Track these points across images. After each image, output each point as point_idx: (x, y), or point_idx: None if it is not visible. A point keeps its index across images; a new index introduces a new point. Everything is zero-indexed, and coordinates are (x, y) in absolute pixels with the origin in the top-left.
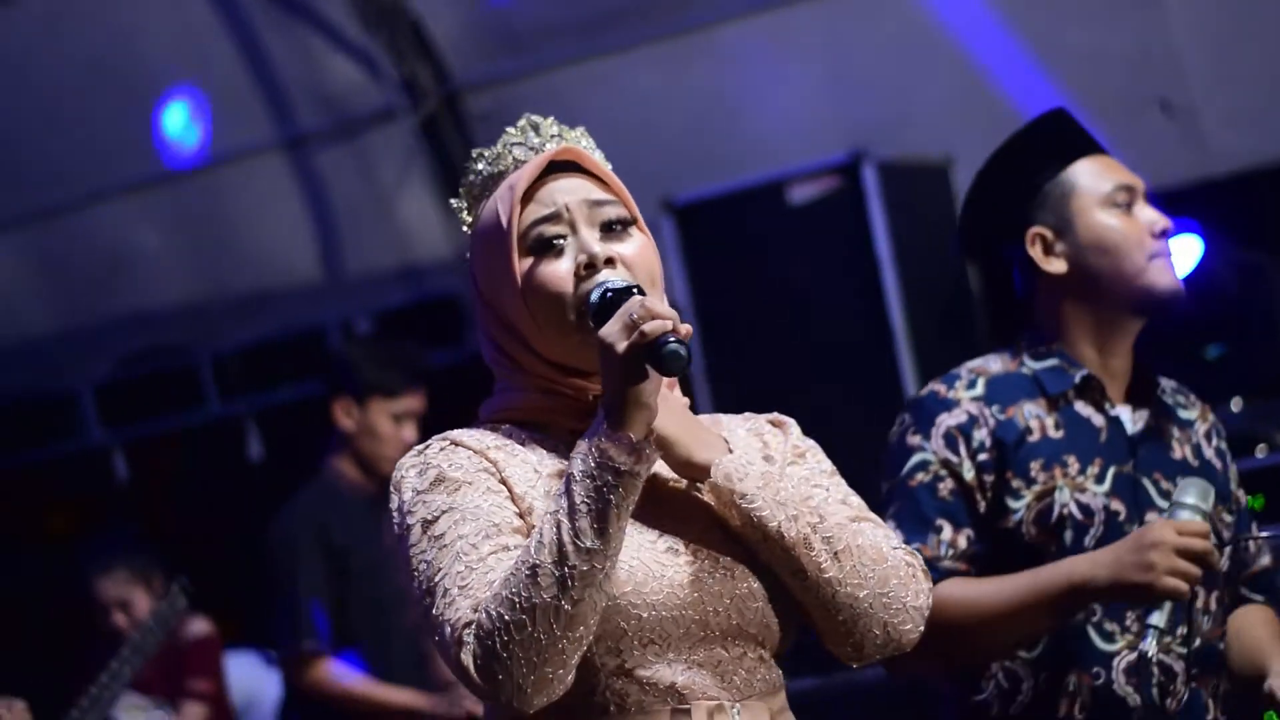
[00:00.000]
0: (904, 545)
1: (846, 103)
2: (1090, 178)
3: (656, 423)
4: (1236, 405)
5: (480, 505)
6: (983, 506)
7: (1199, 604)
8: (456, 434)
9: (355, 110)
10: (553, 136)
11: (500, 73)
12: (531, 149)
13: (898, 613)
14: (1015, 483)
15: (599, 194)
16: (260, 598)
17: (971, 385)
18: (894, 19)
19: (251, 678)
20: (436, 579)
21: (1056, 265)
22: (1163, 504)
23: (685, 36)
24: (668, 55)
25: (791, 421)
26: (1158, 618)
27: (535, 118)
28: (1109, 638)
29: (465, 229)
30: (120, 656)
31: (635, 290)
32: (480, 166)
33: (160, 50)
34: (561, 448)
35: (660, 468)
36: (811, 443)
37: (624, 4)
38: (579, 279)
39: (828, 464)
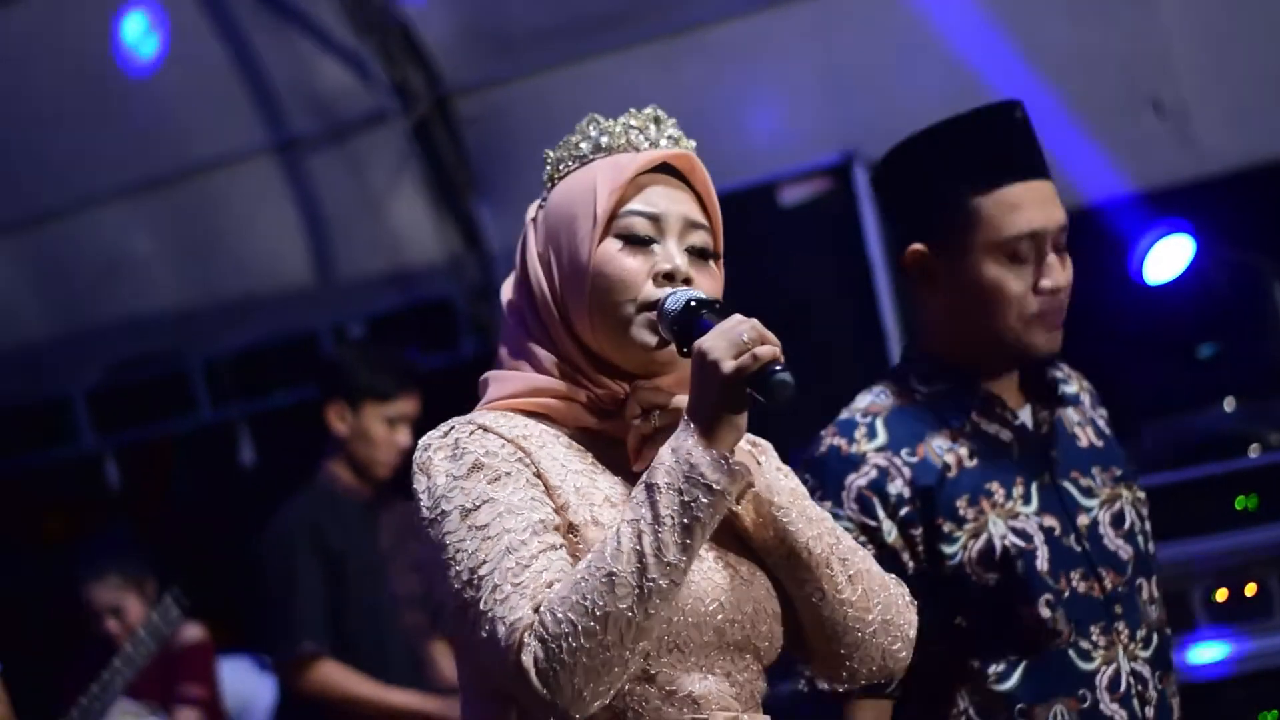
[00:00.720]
0: (891, 575)
1: (838, 104)
2: (1000, 216)
3: None
4: (1229, 405)
5: (523, 499)
6: (911, 566)
7: (1143, 594)
8: (482, 419)
9: (346, 114)
10: (670, 136)
11: (491, 76)
12: (649, 140)
13: (895, 640)
14: (946, 526)
15: (699, 217)
16: (256, 602)
17: (871, 434)
18: (885, 20)
19: (245, 683)
20: (483, 571)
21: (931, 289)
22: (1088, 503)
23: (676, 38)
24: (658, 57)
25: (768, 444)
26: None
27: (660, 112)
28: (1086, 656)
29: (546, 182)
30: (112, 667)
31: (714, 304)
32: (592, 132)
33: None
34: (576, 445)
35: None
36: (788, 468)
37: (614, 6)
38: (653, 283)
39: (804, 489)
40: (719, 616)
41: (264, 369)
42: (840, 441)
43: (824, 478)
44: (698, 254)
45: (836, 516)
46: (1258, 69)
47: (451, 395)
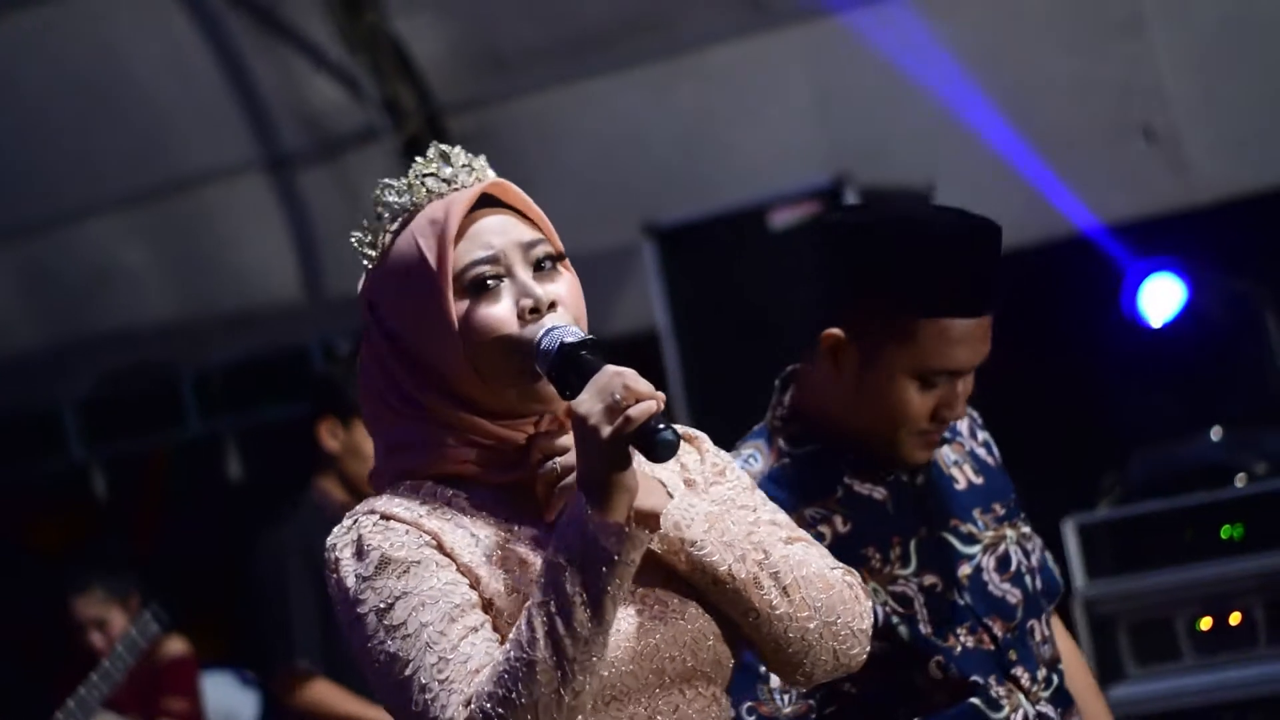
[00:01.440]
0: (840, 565)
1: (829, 128)
2: (931, 347)
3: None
4: (1216, 434)
5: (435, 586)
6: None
7: (1035, 636)
8: (383, 505)
9: (338, 131)
10: (463, 166)
11: (483, 95)
12: (444, 180)
13: (846, 639)
14: None
15: (529, 233)
16: (249, 617)
17: None
18: (877, 45)
19: (228, 697)
20: (408, 672)
21: (831, 371)
22: (970, 550)
23: (670, 60)
24: (652, 78)
25: (703, 436)
26: None
27: (444, 146)
28: (995, 705)
29: (367, 264)
30: (89, 681)
31: (589, 343)
32: (389, 198)
33: (146, 68)
34: (489, 504)
35: None
36: (727, 457)
37: (608, 27)
38: (523, 322)
39: (746, 478)
40: (655, 657)
41: (253, 383)
42: None
43: None
44: (545, 266)
45: None
46: (1249, 98)
47: None
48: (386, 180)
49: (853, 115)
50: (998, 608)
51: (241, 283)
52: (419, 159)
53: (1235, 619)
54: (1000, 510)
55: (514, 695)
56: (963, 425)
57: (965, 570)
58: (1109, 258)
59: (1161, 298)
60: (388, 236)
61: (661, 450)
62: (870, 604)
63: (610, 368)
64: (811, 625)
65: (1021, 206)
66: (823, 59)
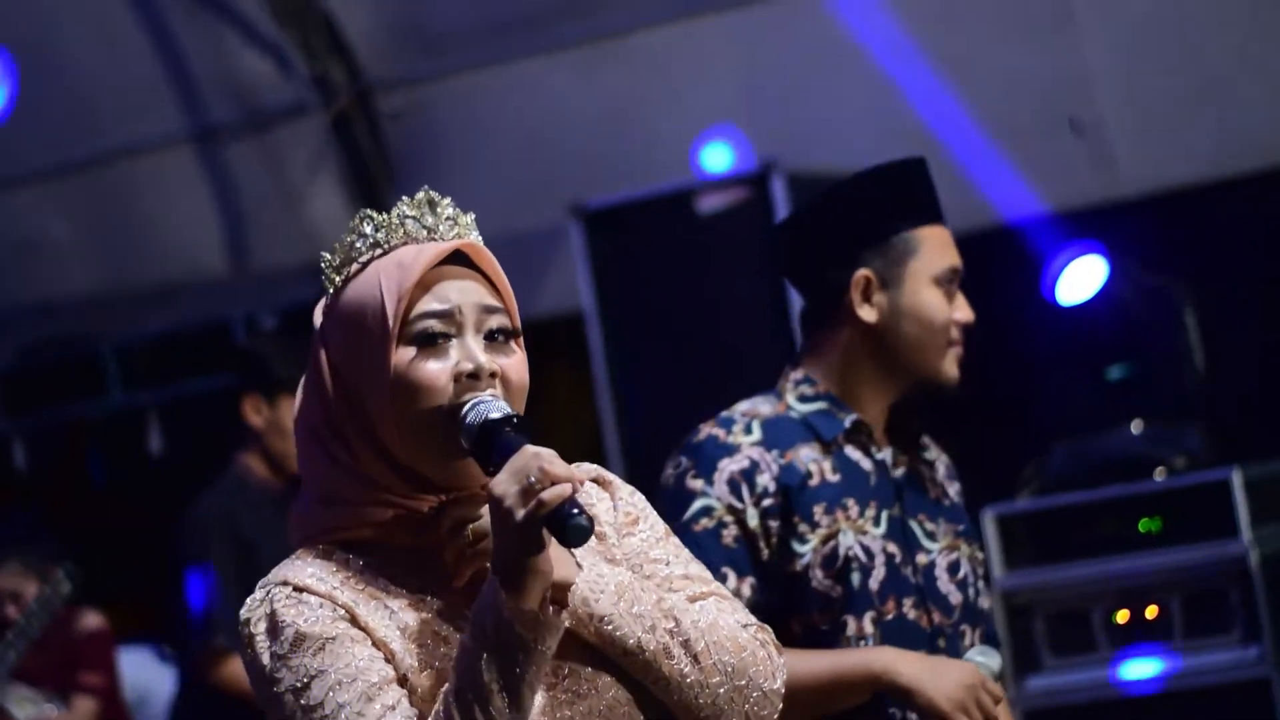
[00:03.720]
0: (753, 621)
1: (757, 113)
2: (933, 248)
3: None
4: (1136, 428)
5: (351, 664)
6: (766, 554)
7: (965, 640)
8: (294, 576)
9: (266, 105)
10: (447, 219)
11: (413, 72)
12: (425, 228)
13: (757, 700)
14: (801, 527)
15: (490, 300)
16: (169, 592)
17: (748, 430)
18: (806, 31)
19: (145, 673)
20: None
21: (868, 313)
22: (929, 545)
23: (599, 42)
24: (581, 61)
25: (618, 481)
26: None
27: (434, 195)
28: None
29: (329, 288)
30: (4, 641)
31: (514, 420)
32: (367, 229)
33: (73, 40)
34: (401, 572)
35: None
36: (641, 502)
37: (538, 8)
38: (457, 385)
39: (661, 525)
40: None
41: (176, 356)
42: (719, 431)
43: (699, 459)
44: (497, 336)
45: (706, 495)
46: (1175, 92)
47: None
48: (368, 212)
49: (780, 101)
50: (940, 601)
51: (166, 255)
52: (406, 199)
53: (1152, 613)
54: (959, 528)
55: None
56: (941, 467)
57: (922, 559)
58: (1033, 249)
59: (1081, 280)
60: (354, 267)
61: (573, 535)
62: (783, 660)
63: (529, 448)
64: (722, 690)
65: (946, 195)
66: (751, 44)
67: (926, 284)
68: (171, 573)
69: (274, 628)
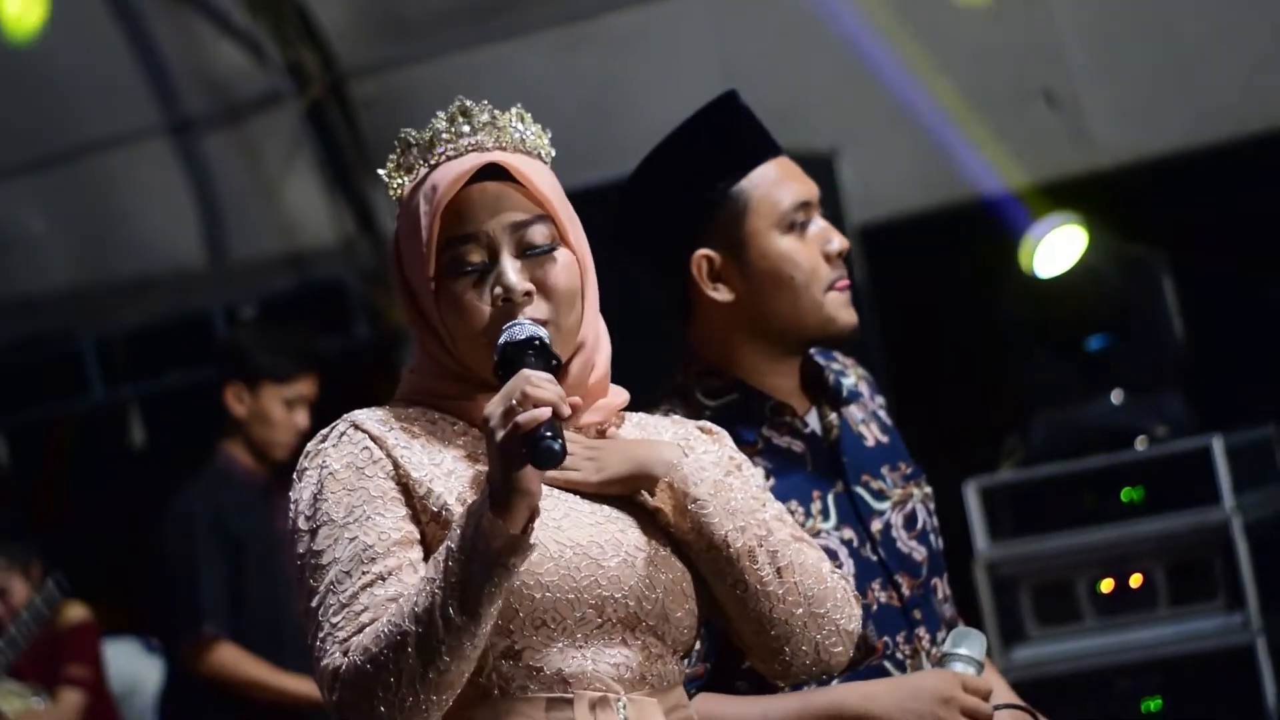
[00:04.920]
0: (838, 570)
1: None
2: (766, 192)
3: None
4: (1117, 398)
5: (363, 516)
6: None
7: (938, 594)
8: (362, 416)
9: (241, 95)
10: (484, 125)
11: (387, 59)
12: (462, 137)
13: (830, 634)
14: None
15: (521, 214)
16: (156, 583)
17: None
18: (781, 10)
19: (131, 665)
20: (313, 604)
21: (723, 294)
22: (879, 506)
23: (575, 24)
24: (557, 43)
25: (723, 432)
26: None
27: (468, 103)
28: (901, 666)
29: (395, 197)
30: None
31: (537, 344)
32: (412, 142)
33: (46, 34)
34: (472, 439)
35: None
36: (743, 456)
37: None
38: (495, 309)
39: (760, 478)
40: (594, 592)
41: (157, 349)
42: None
43: None
44: (538, 250)
45: None
46: (1151, 63)
47: (346, 377)
48: (409, 130)
49: (755, 80)
50: (905, 564)
51: (144, 248)
52: (440, 113)
53: (1136, 581)
54: (906, 469)
55: (382, 658)
56: (864, 387)
57: (876, 526)
58: (1010, 222)
59: (1058, 251)
60: (409, 178)
61: (542, 458)
62: (861, 611)
63: (525, 371)
64: (798, 611)
65: (924, 170)
66: (726, 23)
67: (771, 238)
68: (157, 564)
69: (321, 464)
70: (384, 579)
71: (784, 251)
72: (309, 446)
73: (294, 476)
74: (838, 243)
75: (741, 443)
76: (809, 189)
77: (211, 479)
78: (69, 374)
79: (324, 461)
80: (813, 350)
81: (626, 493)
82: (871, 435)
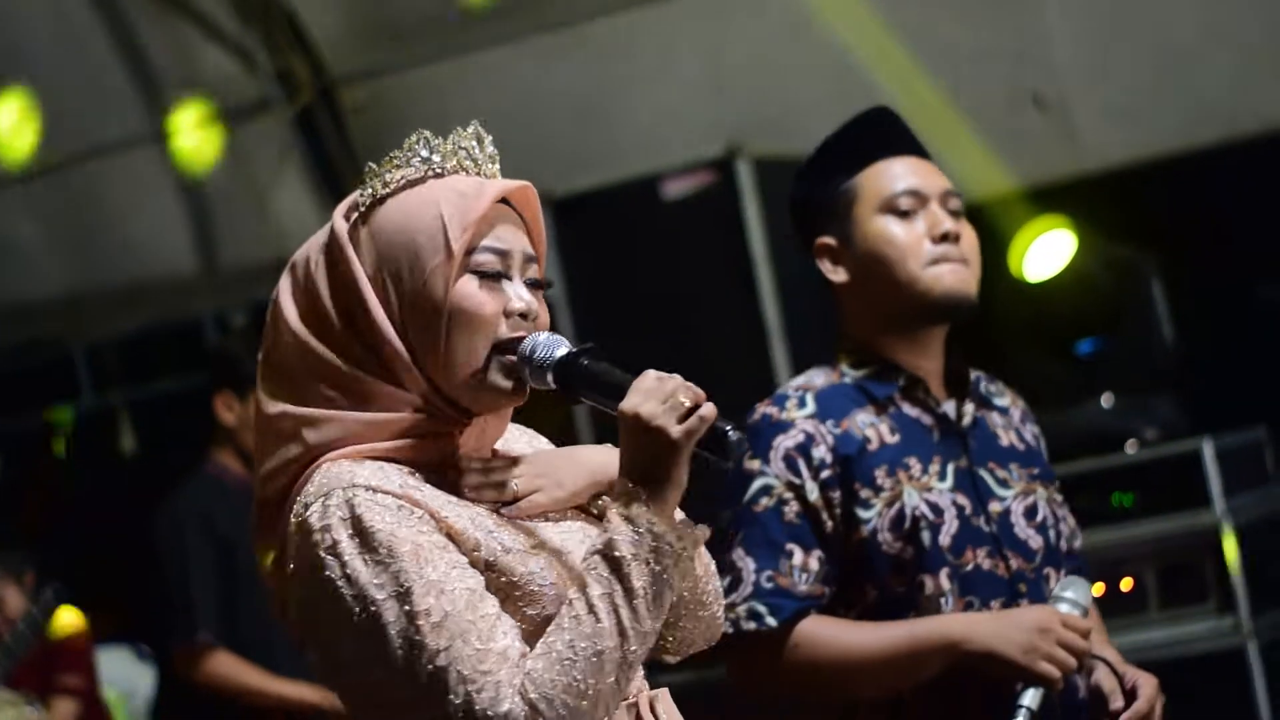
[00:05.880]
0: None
1: (722, 97)
2: (876, 182)
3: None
4: (1107, 401)
5: (447, 569)
6: (830, 525)
7: (1050, 584)
8: (366, 478)
9: (230, 102)
10: (489, 156)
11: (376, 65)
12: (474, 160)
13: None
14: (864, 493)
15: (532, 249)
16: (148, 591)
17: (802, 404)
18: (770, 13)
19: (125, 673)
20: (440, 662)
21: (840, 275)
22: (1002, 492)
23: (564, 30)
24: (546, 48)
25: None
26: (1031, 698)
27: (481, 130)
28: None
29: (368, 198)
30: None
31: (590, 350)
32: (423, 150)
33: (35, 39)
34: (449, 483)
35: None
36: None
37: None
38: (509, 321)
39: None
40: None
41: (147, 357)
42: (772, 410)
43: (755, 440)
44: (534, 286)
45: (764, 475)
46: (1140, 66)
47: None
48: (427, 133)
49: (744, 85)
50: (1019, 547)
51: (134, 255)
52: (460, 130)
53: (1127, 585)
54: (1035, 471)
55: (581, 685)
56: (1015, 411)
57: (995, 507)
58: (999, 226)
59: (1048, 255)
60: (401, 182)
61: (735, 448)
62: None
63: (651, 372)
64: (710, 586)
65: None
66: (715, 29)
67: (873, 220)
68: (148, 570)
69: (362, 532)
70: (501, 617)
71: (881, 231)
72: (323, 519)
73: (321, 552)
74: (946, 228)
75: (872, 400)
76: (923, 181)
77: (201, 485)
78: (59, 381)
79: (370, 526)
80: (976, 374)
81: (584, 502)
82: (1008, 439)
